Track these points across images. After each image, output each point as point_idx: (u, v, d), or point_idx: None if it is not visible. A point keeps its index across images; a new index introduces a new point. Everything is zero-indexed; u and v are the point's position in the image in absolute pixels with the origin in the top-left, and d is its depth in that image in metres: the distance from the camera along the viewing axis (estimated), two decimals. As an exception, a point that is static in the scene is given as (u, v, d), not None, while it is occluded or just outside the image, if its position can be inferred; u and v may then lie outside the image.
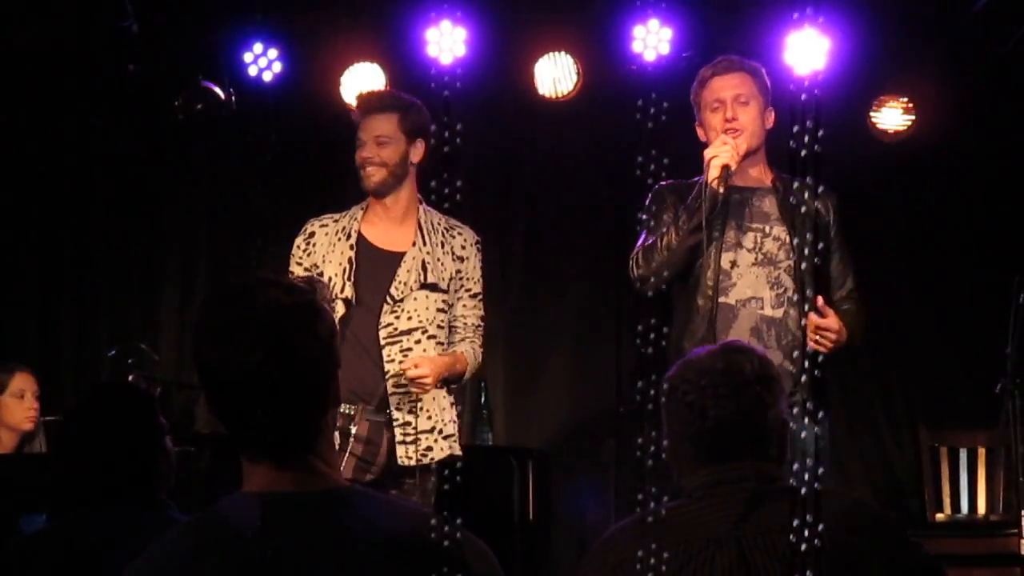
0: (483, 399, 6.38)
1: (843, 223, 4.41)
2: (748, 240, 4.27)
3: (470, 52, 6.25)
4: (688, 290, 4.28)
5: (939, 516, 6.01)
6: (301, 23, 6.81)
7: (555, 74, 6.65)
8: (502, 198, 7.08)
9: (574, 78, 6.64)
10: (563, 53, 6.64)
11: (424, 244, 4.45)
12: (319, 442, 2.06)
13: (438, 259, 4.44)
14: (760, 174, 4.38)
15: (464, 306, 4.53)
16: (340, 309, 4.29)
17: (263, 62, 6.65)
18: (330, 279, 4.33)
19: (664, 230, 4.26)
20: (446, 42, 6.21)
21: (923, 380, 6.62)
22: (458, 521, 1.96)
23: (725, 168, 4.15)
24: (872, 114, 6.52)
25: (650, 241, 4.28)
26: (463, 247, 4.53)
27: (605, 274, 6.81)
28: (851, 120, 6.46)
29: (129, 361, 6.27)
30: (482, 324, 4.60)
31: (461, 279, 4.51)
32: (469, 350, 4.51)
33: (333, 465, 2.08)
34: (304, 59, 6.78)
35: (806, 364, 3.76)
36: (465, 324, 4.53)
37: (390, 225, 4.48)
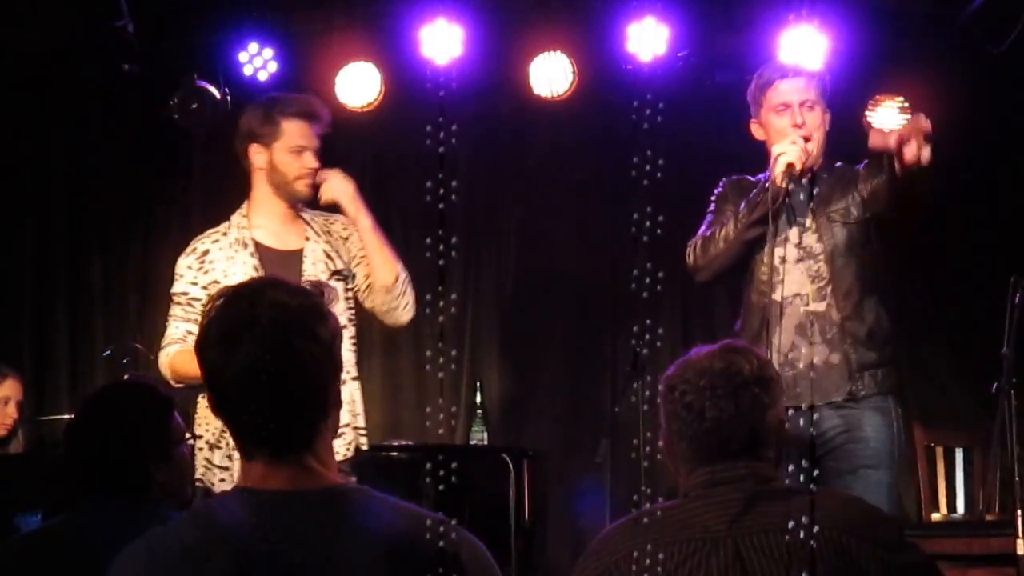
0: (478, 399, 6.39)
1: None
2: (793, 235, 4.24)
3: (466, 51, 6.25)
4: (746, 285, 4.28)
5: (935, 516, 6.01)
6: (297, 22, 6.81)
7: (550, 73, 6.65)
8: (497, 197, 7.08)
9: (569, 77, 6.64)
10: (558, 52, 6.63)
11: (318, 236, 4.43)
12: (317, 443, 2.08)
13: (332, 247, 4.44)
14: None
15: (360, 266, 4.48)
16: None
17: (258, 61, 6.65)
18: None
19: (724, 221, 4.25)
20: (442, 41, 6.24)
21: (919, 379, 6.62)
22: (454, 520, 1.97)
23: (790, 167, 4.10)
24: (867, 113, 6.51)
25: (709, 232, 4.29)
26: (344, 227, 4.50)
27: (600, 273, 6.82)
28: (846, 119, 6.46)
29: (124, 360, 6.27)
30: None
31: (352, 259, 4.47)
32: None
33: (329, 465, 2.09)
34: (300, 58, 6.78)
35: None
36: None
37: (279, 226, 4.44)
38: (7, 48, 6.66)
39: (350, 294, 4.43)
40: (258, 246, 4.38)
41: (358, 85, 6.67)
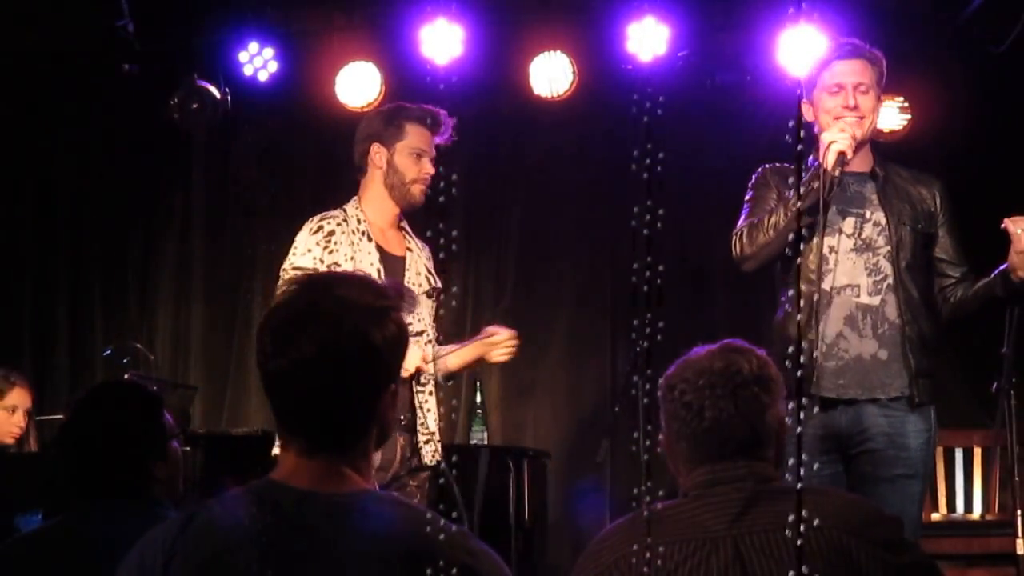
0: (478, 399, 6.39)
1: (952, 208, 4.28)
2: (847, 225, 4.15)
3: (466, 51, 6.25)
4: (791, 274, 4.19)
5: (935, 516, 6.01)
6: (297, 22, 6.81)
7: (551, 73, 6.65)
8: (497, 197, 7.09)
9: (570, 77, 6.64)
10: (558, 52, 6.63)
11: (420, 250, 4.51)
12: (355, 451, 2.07)
13: (426, 265, 4.51)
14: (862, 161, 4.24)
15: (441, 310, 4.67)
16: None
17: (259, 61, 6.66)
18: None
19: (770, 209, 4.17)
20: (442, 41, 6.23)
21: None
22: (465, 527, 1.97)
23: (841, 155, 4.02)
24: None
25: (754, 220, 4.19)
26: (429, 258, 4.59)
27: (600, 273, 6.82)
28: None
29: (124, 360, 6.27)
30: None
31: (434, 288, 4.57)
32: None
33: (364, 473, 2.08)
34: (300, 58, 6.79)
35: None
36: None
37: (386, 230, 4.50)
38: (7, 48, 6.66)
39: (433, 310, 4.52)
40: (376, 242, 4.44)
41: (358, 85, 6.67)
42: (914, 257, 4.16)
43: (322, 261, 4.33)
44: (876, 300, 4.12)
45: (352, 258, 4.34)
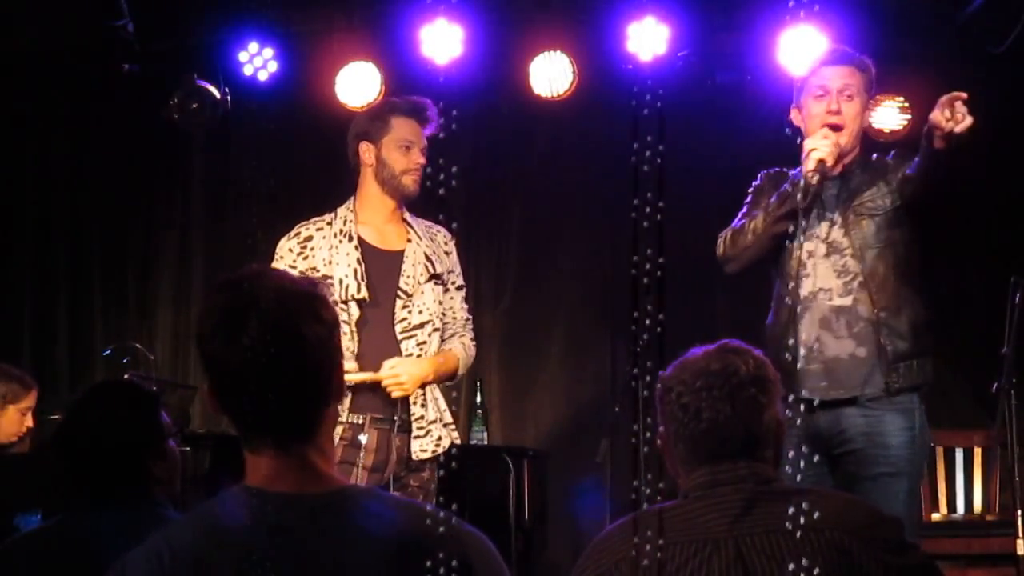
0: (478, 398, 6.39)
1: (902, 152, 4.25)
2: (822, 230, 4.18)
3: (465, 51, 6.25)
4: (776, 279, 4.25)
5: (935, 516, 6.01)
6: (297, 22, 6.81)
7: (551, 73, 6.65)
8: (497, 197, 7.09)
9: (570, 77, 6.64)
10: (558, 52, 6.63)
11: (420, 239, 4.49)
12: (320, 433, 2.06)
13: (434, 252, 4.49)
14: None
15: (451, 299, 4.58)
16: (355, 311, 4.29)
17: (258, 61, 6.65)
18: (340, 280, 4.32)
19: (754, 214, 4.22)
20: (442, 41, 6.23)
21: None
22: (458, 517, 1.97)
23: (821, 163, 4.05)
24: (868, 113, 6.51)
25: (739, 224, 4.25)
26: (446, 242, 4.59)
27: (600, 274, 6.82)
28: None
29: (124, 360, 6.27)
30: (470, 318, 4.67)
31: (450, 272, 4.56)
32: (459, 346, 4.56)
33: (331, 461, 2.08)
34: (299, 59, 6.78)
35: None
36: (455, 318, 4.59)
37: (382, 225, 4.50)
38: (7, 48, 6.66)
39: (442, 297, 4.51)
40: (362, 242, 4.43)
41: (358, 85, 6.67)
42: (881, 245, 4.14)
43: (294, 266, 4.36)
44: (848, 300, 4.13)
45: (330, 262, 4.37)
